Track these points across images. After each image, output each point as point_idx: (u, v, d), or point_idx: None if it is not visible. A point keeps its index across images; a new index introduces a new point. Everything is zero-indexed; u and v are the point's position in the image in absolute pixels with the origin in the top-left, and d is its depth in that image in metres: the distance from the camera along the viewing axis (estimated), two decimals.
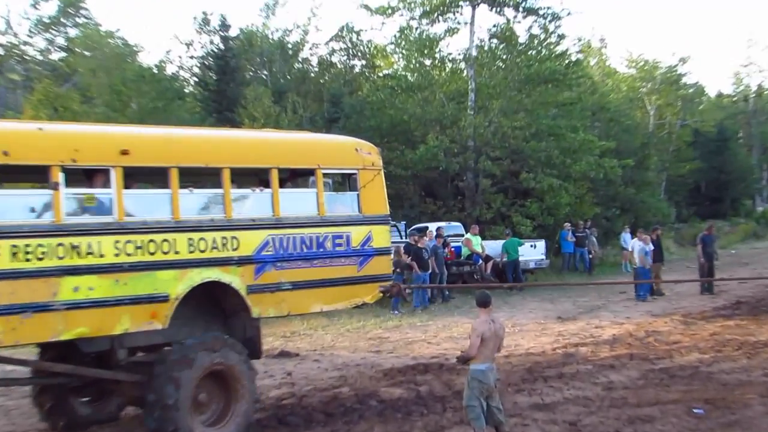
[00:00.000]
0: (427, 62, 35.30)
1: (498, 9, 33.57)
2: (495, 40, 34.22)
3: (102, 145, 8.84)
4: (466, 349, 8.66)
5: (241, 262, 9.52)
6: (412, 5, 34.22)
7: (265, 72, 40.15)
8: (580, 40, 47.67)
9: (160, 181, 9.36)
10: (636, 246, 22.90)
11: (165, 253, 8.90)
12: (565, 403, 10.72)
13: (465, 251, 24.96)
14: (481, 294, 8.74)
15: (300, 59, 42.21)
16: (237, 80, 35.62)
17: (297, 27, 42.31)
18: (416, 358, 14.36)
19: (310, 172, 10.52)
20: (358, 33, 41.32)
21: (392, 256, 21.67)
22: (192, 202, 9.43)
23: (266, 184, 10.09)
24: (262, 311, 9.75)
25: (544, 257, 27.01)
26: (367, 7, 35.05)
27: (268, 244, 9.75)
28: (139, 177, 9.62)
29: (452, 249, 24.83)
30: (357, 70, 42.08)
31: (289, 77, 39.92)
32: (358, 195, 10.77)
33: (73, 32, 43.39)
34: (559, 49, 35.26)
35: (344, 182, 11.09)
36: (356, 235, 10.58)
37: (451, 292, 23.33)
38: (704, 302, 21.19)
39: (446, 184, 33.19)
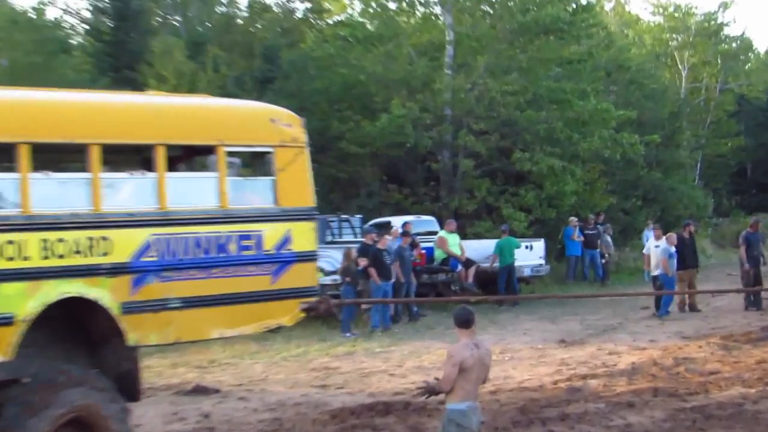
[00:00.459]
0: (392, 6, 35.34)
1: None
2: None
3: None
4: (439, 380, 8.61)
5: (114, 271, 9.33)
6: None
7: (178, 18, 39.87)
8: None
9: (5, 161, 9.09)
10: (660, 246, 22.95)
11: (9, 260, 8.68)
12: None
13: (439, 254, 25.00)
14: (461, 310, 8.72)
15: (224, 1, 41.98)
16: (140, 28, 35.43)
17: None
18: (374, 394, 14.34)
19: (210, 150, 10.36)
20: None
21: (342, 260, 21.91)
22: (48, 191, 9.14)
23: (149, 166, 9.91)
24: (141, 338, 9.54)
25: (543, 262, 27.16)
26: None
27: (150, 246, 9.59)
28: None
29: (422, 251, 24.86)
30: (299, 15, 41.95)
31: (209, 25, 39.71)
32: (273, 181, 10.64)
33: None
34: None
35: (255, 164, 11.01)
36: (271, 234, 10.47)
37: (421, 307, 23.34)
38: (749, 320, 21.43)
39: (415, 165, 33.22)
